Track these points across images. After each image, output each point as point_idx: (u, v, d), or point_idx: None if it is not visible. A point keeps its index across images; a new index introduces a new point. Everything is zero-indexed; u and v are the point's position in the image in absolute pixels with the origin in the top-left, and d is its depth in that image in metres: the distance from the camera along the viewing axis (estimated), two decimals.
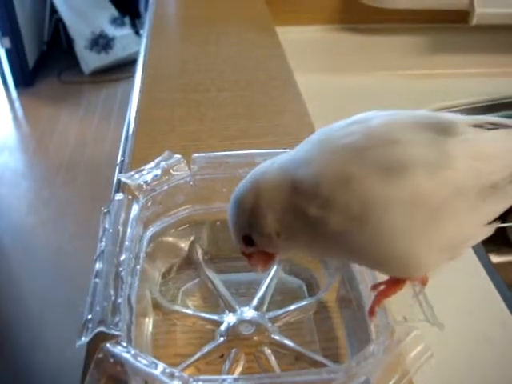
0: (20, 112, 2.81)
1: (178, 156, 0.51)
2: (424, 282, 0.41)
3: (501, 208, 0.38)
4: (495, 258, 0.96)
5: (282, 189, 0.37)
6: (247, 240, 0.40)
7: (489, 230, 0.39)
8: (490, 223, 0.38)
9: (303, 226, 0.36)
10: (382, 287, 0.41)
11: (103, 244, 0.43)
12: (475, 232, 0.38)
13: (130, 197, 0.47)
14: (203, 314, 0.48)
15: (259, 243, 0.40)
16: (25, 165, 2.47)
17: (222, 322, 0.46)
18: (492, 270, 0.62)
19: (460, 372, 0.49)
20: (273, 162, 0.39)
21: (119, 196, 0.47)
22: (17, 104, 2.84)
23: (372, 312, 0.40)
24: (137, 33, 3.10)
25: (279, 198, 0.37)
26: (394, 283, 0.40)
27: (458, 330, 0.52)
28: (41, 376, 1.53)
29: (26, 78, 2.92)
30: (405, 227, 0.34)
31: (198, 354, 0.44)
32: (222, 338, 0.45)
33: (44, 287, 1.76)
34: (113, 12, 3.06)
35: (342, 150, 0.35)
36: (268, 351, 0.44)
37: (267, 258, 0.41)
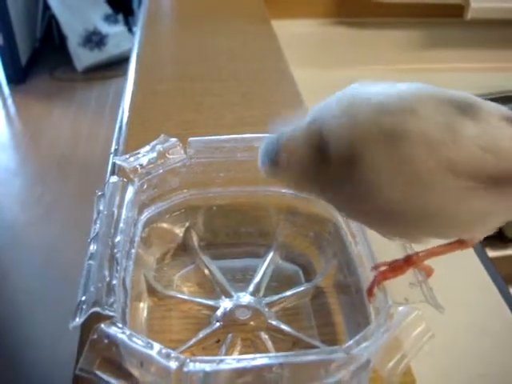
0: (12, 109, 2.79)
1: (173, 139, 0.50)
2: (429, 273, 0.40)
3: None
4: (491, 253, 0.96)
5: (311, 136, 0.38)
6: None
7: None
8: None
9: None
10: (382, 268, 0.40)
11: (97, 226, 0.42)
12: (477, 218, 0.37)
13: (124, 180, 0.46)
14: (199, 300, 0.47)
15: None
16: (17, 162, 2.46)
17: (217, 308, 0.46)
18: (489, 264, 0.62)
19: (456, 362, 0.49)
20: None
21: (114, 179, 0.46)
22: (9, 101, 2.82)
23: (370, 292, 0.40)
24: (130, 30, 3.09)
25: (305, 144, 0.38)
26: (397, 266, 0.40)
27: (456, 321, 0.51)
28: (32, 373, 1.52)
29: (18, 74, 2.89)
30: (401, 197, 0.35)
31: (194, 340, 0.43)
32: (217, 324, 0.44)
33: (36, 284, 1.75)
34: (106, 9, 3.05)
35: (367, 108, 0.36)
36: (265, 336, 0.44)
37: None
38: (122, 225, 0.42)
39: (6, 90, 2.88)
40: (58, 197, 2.16)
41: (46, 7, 2.98)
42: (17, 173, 2.35)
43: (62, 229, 1.99)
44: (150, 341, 0.34)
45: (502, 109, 0.38)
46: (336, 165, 0.36)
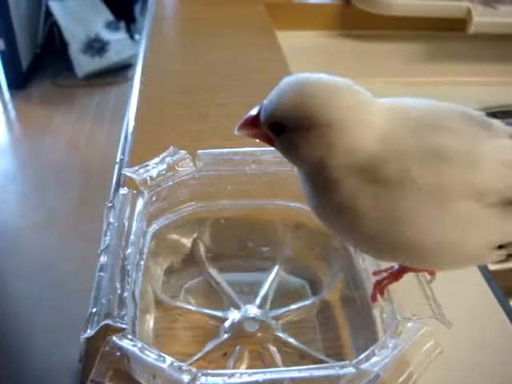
0: (12, 114, 2.79)
1: (183, 152, 0.51)
2: (431, 273, 0.41)
3: None
4: (491, 266, 0.96)
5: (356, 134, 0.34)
6: (276, 127, 0.37)
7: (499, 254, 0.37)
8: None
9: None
10: (379, 277, 0.41)
11: (108, 238, 0.42)
12: (486, 249, 0.36)
13: (134, 191, 0.47)
14: (207, 311, 0.47)
15: (284, 140, 0.37)
16: (16, 168, 2.46)
17: (226, 319, 0.46)
18: (489, 277, 0.62)
19: (456, 377, 0.49)
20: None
21: (124, 190, 0.46)
22: (9, 106, 2.82)
23: (374, 297, 0.42)
24: (131, 37, 3.10)
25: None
26: (392, 273, 0.41)
27: (456, 335, 0.51)
28: (28, 379, 1.51)
29: (19, 80, 2.89)
30: (417, 215, 0.34)
31: (201, 352, 0.43)
32: (225, 335, 0.45)
33: (33, 290, 1.74)
34: (108, 16, 3.06)
35: (410, 122, 0.35)
36: (272, 348, 0.44)
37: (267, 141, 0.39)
38: (132, 237, 0.42)
39: (7, 95, 2.88)
40: (57, 203, 2.16)
41: (48, 13, 2.99)
42: (16, 178, 2.35)
43: (61, 235, 1.98)
44: (162, 354, 0.34)
45: (505, 127, 0.38)
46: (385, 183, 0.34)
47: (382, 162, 0.34)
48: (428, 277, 0.41)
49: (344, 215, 0.35)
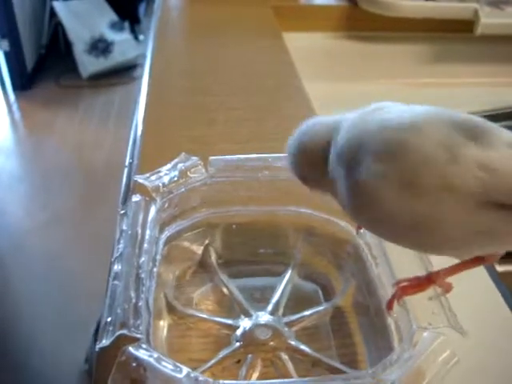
0: (17, 115, 2.80)
1: (194, 158, 0.51)
2: (447, 289, 0.41)
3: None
4: (499, 267, 0.96)
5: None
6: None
7: None
8: None
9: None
10: (404, 284, 0.41)
11: (121, 246, 0.42)
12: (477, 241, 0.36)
13: (147, 198, 0.47)
14: (218, 319, 0.47)
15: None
16: (21, 168, 2.46)
17: (237, 327, 0.46)
18: (497, 279, 0.62)
19: (466, 380, 0.49)
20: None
21: (136, 198, 0.46)
22: (14, 107, 2.83)
23: (390, 305, 0.41)
24: (136, 38, 3.10)
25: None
26: (418, 283, 0.40)
27: (465, 338, 0.51)
28: (32, 380, 1.51)
29: (24, 81, 2.90)
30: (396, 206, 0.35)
31: (214, 360, 0.43)
32: (237, 343, 0.44)
33: (38, 290, 1.75)
34: (112, 16, 3.06)
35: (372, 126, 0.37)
36: (285, 357, 0.44)
37: None
38: (146, 245, 0.42)
39: (12, 96, 2.89)
40: (63, 203, 2.17)
41: (53, 14, 3.00)
42: (21, 179, 2.36)
43: (66, 235, 1.99)
44: (178, 364, 0.34)
45: (508, 135, 0.37)
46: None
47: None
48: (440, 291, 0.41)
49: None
